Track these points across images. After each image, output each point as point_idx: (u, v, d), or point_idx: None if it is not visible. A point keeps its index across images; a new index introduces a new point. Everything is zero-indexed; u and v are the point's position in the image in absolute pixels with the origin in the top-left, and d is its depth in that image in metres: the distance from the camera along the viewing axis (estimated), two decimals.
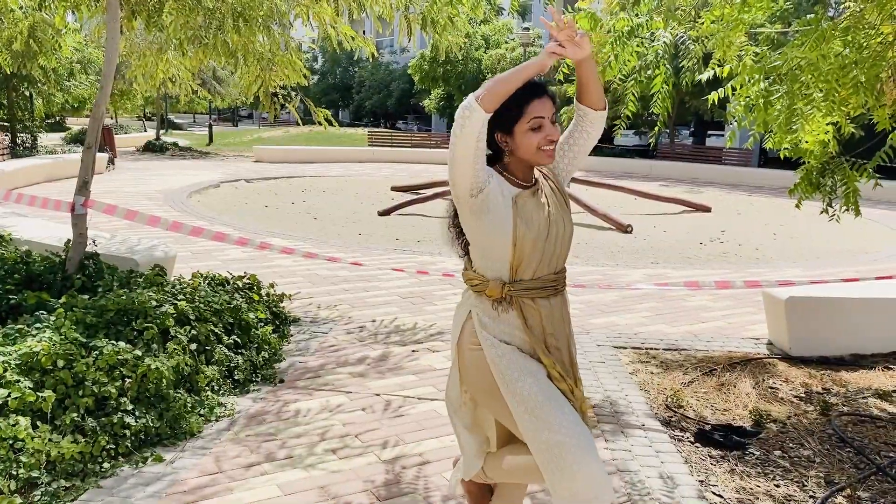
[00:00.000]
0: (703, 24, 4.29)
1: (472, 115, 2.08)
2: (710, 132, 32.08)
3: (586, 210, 12.84)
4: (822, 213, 4.56)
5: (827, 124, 4.40)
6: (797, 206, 4.66)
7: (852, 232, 11.97)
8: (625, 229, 11.74)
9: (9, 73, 11.93)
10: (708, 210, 14.56)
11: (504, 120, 2.21)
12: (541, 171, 2.38)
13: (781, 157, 4.39)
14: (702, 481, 3.44)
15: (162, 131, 29.60)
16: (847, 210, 4.48)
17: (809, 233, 12.09)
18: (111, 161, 19.06)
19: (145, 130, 34.24)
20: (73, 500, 3.09)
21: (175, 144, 27.04)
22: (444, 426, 3.91)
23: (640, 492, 3.28)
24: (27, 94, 20.06)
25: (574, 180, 15.77)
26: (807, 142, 4.45)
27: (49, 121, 30.45)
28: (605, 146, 32.59)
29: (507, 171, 2.31)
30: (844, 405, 4.43)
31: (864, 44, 3.97)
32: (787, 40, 4.10)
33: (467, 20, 6.98)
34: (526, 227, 2.21)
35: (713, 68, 4.42)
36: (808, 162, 4.53)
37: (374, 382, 4.52)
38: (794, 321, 5.25)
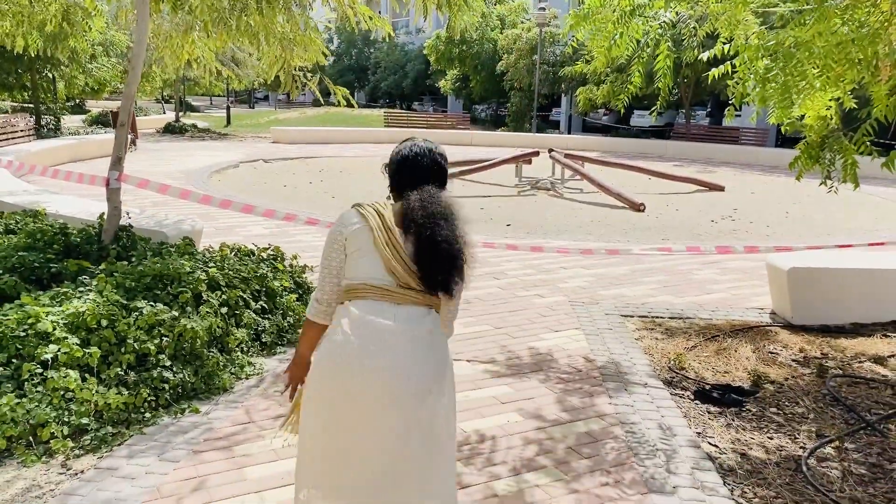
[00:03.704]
0: (706, 1, 4.47)
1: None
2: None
3: (600, 189, 13.03)
4: (820, 184, 4.74)
5: (830, 100, 4.59)
6: (797, 178, 4.85)
7: (867, 210, 12.10)
8: (637, 208, 11.90)
9: (33, 55, 12.23)
10: (721, 189, 14.67)
11: None
12: None
13: (783, 131, 4.56)
14: (699, 433, 3.68)
15: (180, 113, 29.93)
16: (845, 182, 4.67)
17: (823, 211, 12.20)
18: (133, 142, 19.39)
19: (164, 112, 34.62)
20: (119, 445, 3.39)
21: (194, 126, 27.37)
22: (460, 383, 4.11)
23: (640, 440, 3.53)
24: (50, 76, 20.40)
25: (588, 160, 15.96)
26: (808, 116, 4.63)
27: (69, 103, 30.86)
28: (622, 126, 32.63)
29: None
30: (840, 368, 4.65)
31: (864, 21, 4.14)
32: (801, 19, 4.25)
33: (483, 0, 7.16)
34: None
35: (717, 48, 4.59)
36: (809, 136, 4.72)
37: None
38: (796, 291, 5.46)
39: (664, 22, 3.96)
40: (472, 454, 3.38)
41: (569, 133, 32.17)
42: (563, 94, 32.57)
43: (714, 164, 21.26)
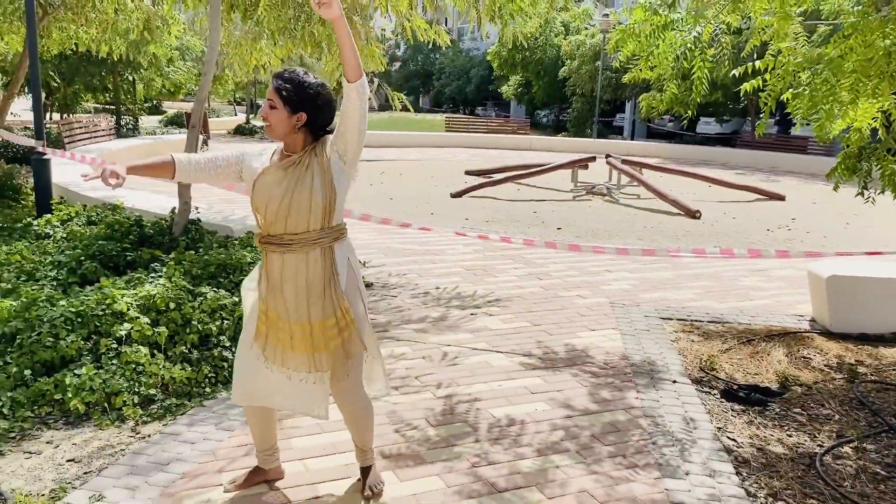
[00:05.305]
0: (751, 15, 4.62)
1: None
2: (795, 121, 31.22)
3: (656, 195, 13.06)
4: (857, 195, 4.83)
5: (877, 111, 4.66)
6: (835, 188, 4.94)
7: None
8: (693, 215, 11.90)
9: (115, 59, 13.05)
10: (781, 198, 14.48)
11: None
12: (316, 149, 2.71)
13: (819, 142, 4.66)
14: (720, 428, 3.85)
15: (251, 115, 30.97)
16: (883, 192, 4.74)
17: (885, 222, 11.96)
18: (205, 142, 20.26)
19: (235, 114, 35.85)
20: (182, 414, 3.77)
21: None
22: (493, 374, 4.44)
23: (662, 431, 3.73)
24: (130, 79, 21.49)
25: (647, 166, 15.94)
26: (852, 128, 4.73)
27: (147, 104, 32.30)
28: (687, 133, 32.25)
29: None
30: (873, 375, 4.72)
31: None
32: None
33: (546, 9, 7.41)
34: (256, 192, 2.72)
35: (766, 60, 4.71)
36: (847, 147, 4.81)
37: (434, 337, 5.09)
38: (835, 298, 5.52)
39: (695, 36, 4.14)
40: (501, 436, 3.64)
41: (632, 139, 32.00)
42: (626, 100, 32.42)
43: (778, 173, 20.90)
